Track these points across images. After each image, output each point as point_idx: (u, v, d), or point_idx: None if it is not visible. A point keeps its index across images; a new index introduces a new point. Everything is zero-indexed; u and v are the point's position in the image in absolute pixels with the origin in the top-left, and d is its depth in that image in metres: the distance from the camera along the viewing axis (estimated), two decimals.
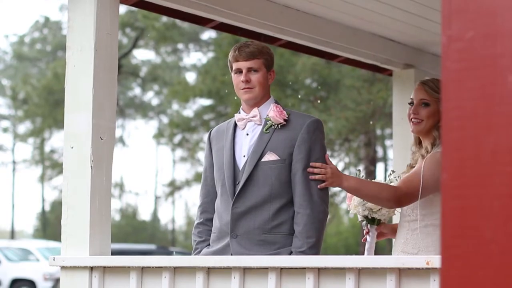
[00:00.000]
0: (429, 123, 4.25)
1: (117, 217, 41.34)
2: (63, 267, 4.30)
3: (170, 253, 20.26)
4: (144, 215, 46.22)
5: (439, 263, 3.30)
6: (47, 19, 40.96)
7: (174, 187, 28.68)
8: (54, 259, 4.33)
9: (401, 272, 3.44)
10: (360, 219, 4.63)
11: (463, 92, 1.95)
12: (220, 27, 5.56)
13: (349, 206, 4.62)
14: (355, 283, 3.51)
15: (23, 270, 23.10)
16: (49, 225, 43.81)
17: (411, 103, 4.32)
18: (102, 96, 4.32)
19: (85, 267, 4.22)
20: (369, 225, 4.58)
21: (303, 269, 3.63)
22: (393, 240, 4.50)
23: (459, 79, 1.96)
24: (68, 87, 4.38)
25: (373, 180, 4.52)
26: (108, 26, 4.36)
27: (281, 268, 3.69)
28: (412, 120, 4.29)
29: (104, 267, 4.20)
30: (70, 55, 4.40)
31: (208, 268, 3.87)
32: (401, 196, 4.15)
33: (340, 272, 3.56)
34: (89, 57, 4.30)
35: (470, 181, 1.92)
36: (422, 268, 3.36)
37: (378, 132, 21.75)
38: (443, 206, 1.96)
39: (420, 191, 4.12)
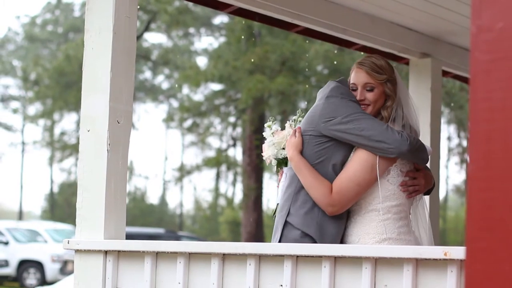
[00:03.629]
0: (376, 106, 4.13)
1: None
2: (77, 250, 4.28)
3: (179, 238, 20.24)
4: (152, 198, 46.31)
5: (457, 254, 3.29)
6: (59, 0, 40.95)
7: (183, 171, 28.66)
8: (68, 242, 4.31)
9: (418, 263, 3.41)
10: (274, 164, 4.30)
11: (492, 83, 1.93)
12: (238, 12, 5.53)
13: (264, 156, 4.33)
14: (372, 272, 3.49)
15: (31, 251, 23.17)
16: (57, 207, 43.97)
17: (355, 89, 4.15)
18: (119, 79, 4.29)
19: (99, 251, 4.21)
20: (283, 167, 4.24)
21: (319, 257, 3.61)
22: None
23: (488, 70, 1.93)
24: (85, 70, 4.35)
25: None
26: (127, 8, 4.32)
27: (297, 256, 3.67)
28: (361, 105, 4.14)
29: (119, 251, 4.18)
30: (88, 38, 4.36)
31: (224, 254, 3.85)
32: (334, 200, 3.98)
33: (356, 261, 3.53)
34: (107, 40, 4.27)
35: (498, 173, 1.90)
36: (440, 259, 3.34)
37: None
38: (469, 198, 1.94)
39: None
